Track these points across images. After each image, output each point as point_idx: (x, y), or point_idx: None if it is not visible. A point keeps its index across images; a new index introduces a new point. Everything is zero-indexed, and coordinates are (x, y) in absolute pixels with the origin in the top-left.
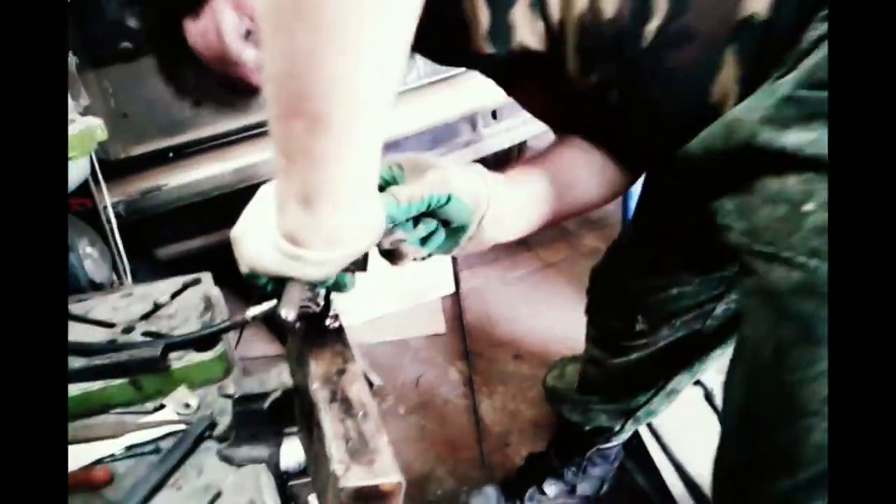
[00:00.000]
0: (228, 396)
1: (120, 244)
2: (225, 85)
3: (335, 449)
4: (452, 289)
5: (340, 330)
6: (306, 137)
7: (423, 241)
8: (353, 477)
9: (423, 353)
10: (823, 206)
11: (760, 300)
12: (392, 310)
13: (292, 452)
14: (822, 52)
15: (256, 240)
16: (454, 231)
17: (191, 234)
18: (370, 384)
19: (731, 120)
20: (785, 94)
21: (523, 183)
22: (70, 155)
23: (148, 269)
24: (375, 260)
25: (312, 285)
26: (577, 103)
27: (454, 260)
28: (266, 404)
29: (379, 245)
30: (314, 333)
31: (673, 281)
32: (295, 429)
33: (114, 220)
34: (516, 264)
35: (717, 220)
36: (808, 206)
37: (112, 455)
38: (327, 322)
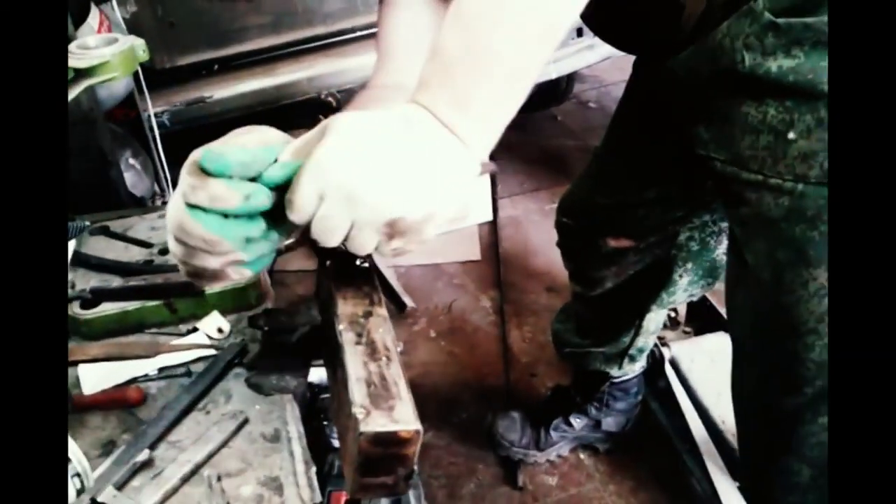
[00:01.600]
0: (259, 328)
1: (162, 155)
2: None
3: (357, 393)
4: (490, 216)
5: (370, 271)
6: (534, 46)
7: None
8: (372, 422)
9: (457, 279)
10: (804, 134)
11: (756, 227)
12: None
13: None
14: None
15: (414, 169)
16: None
17: None
18: (402, 307)
19: (713, 43)
20: (767, 20)
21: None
22: (112, 76)
23: None
24: None
25: None
26: None
27: (493, 187)
28: (294, 338)
29: None
30: (344, 272)
31: (637, 199)
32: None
33: (157, 130)
34: (555, 195)
35: (695, 150)
36: (791, 134)
37: (146, 375)
38: (357, 262)
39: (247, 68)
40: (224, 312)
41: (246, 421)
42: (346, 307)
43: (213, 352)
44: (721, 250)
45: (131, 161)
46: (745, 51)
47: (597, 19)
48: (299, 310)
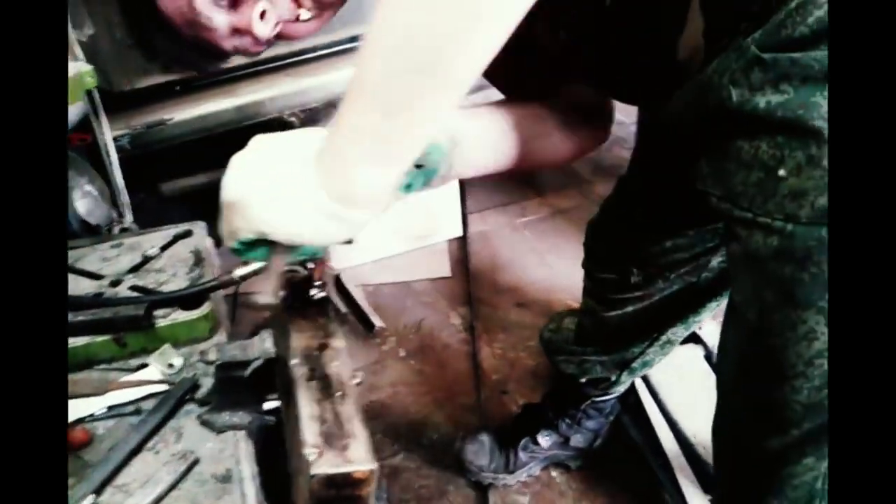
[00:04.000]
0: (210, 363)
1: (120, 180)
2: (195, 49)
3: (309, 432)
4: (460, 232)
5: (326, 301)
6: (424, 94)
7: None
8: (325, 463)
9: (427, 297)
10: (794, 171)
11: (743, 265)
12: (397, 251)
13: None
14: (790, 5)
15: (291, 202)
16: (427, 172)
17: (196, 169)
18: (371, 326)
19: (703, 80)
20: (753, 55)
21: (490, 119)
22: None
23: (152, 205)
24: None
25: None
26: (545, 62)
27: (463, 203)
28: (247, 372)
29: None
30: (298, 303)
31: (667, 234)
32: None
33: (114, 155)
34: (526, 210)
35: (696, 184)
36: (782, 172)
37: (92, 415)
38: (312, 292)
39: (208, 89)
40: (176, 345)
41: (196, 461)
42: (301, 340)
43: (164, 387)
44: None
45: (87, 188)
46: (731, 87)
47: (596, 77)
48: (252, 342)
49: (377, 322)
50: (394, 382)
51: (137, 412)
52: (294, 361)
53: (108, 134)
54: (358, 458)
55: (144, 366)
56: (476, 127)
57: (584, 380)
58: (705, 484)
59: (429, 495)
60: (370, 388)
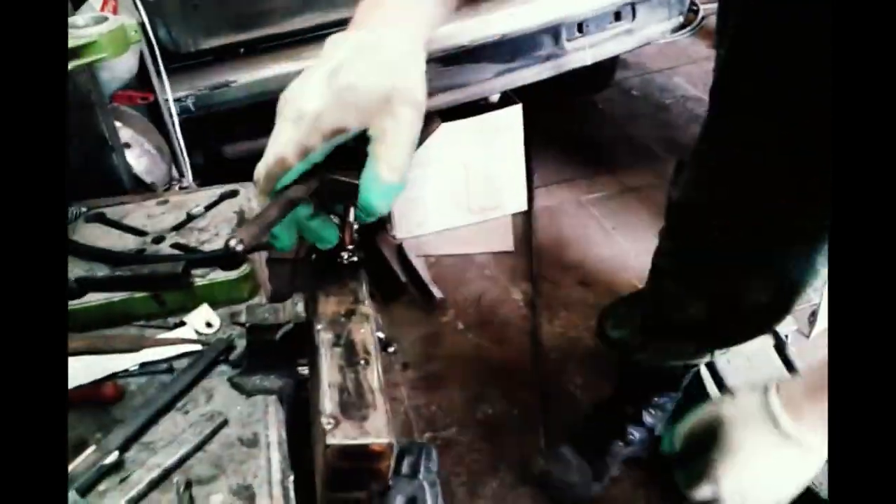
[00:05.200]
0: (240, 325)
1: (181, 140)
2: None
3: (328, 401)
4: (524, 206)
5: (357, 265)
6: None
7: None
8: (340, 434)
9: (488, 271)
10: None
11: None
12: (460, 223)
13: None
14: None
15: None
16: None
17: (259, 132)
18: (431, 297)
19: None
20: None
21: None
22: (100, 56)
23: (213, 167)
24: (447, 172)
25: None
26: None
27: (529, 177)
28: (277, 336)
29: None
30: (329, 267)
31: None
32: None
33: (175, 116)
34: (594, 185)
35: None
36: None
37: (126, 370)
38: (344, 255)
39: (272, 52)
40: (215, 306)
41: (224, 423)
42: (328, 305)
43: (198, 347)
44: None
45: (146, 146)
46: None
47: None
48: (284, 306)
49: (437, 293)
50: (451, 355)
51: (170, 370)
52: (320, 326)
53: (169, 94)
54: (375, 430)
55: (182, 324)
56: None
57: (675, 364)
58: None
59: (480, 470)
60: (427, 358)
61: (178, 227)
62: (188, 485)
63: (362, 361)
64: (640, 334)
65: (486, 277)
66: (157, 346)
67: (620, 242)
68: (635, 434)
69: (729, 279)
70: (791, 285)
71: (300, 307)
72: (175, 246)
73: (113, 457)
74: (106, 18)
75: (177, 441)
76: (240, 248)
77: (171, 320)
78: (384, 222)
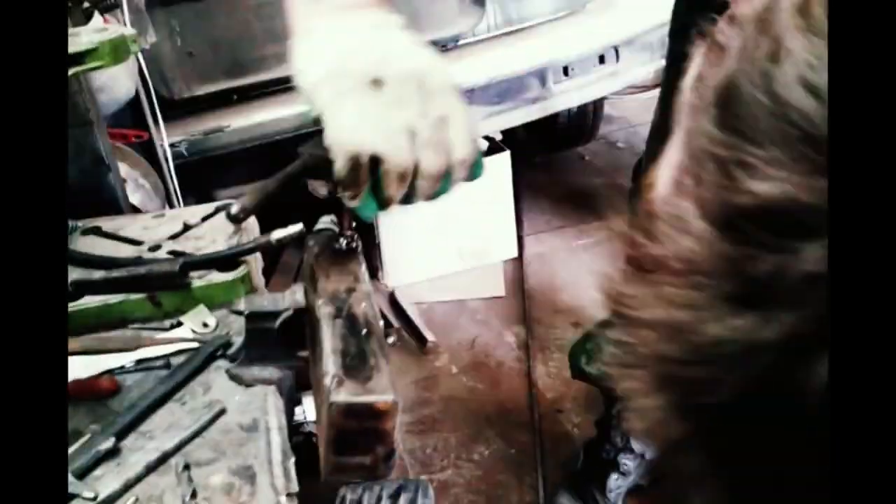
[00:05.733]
0: (239, 313)
1: (175, 182)
2: None
3: (331, 363)
4: (515, 253)
5: (355, 251)
6: None
7: None
8: (344, 392)
9: (480, 315)
10: None
11: None
12: (452, 270)
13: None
14: None
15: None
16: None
17: (254, 176)
18: (424, 341)
19: None
20: None
21: None
22: (100, 63)
23: None
24: (436, 220)
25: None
26: None
27: (518, 224)
28: (276, 324)
29: None
30: (328, 252)
31: None
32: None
33: (170, 158)
34: (583, 232)
35: None
36: None
37: (122, 367)
38: (342, 241)
39: (265, 97)
40: (211, 307)
41: (223, 411)
42: (328, 284)
43: (195, 345)
44: None
45: (141, 181)
46: None
47: None
48: (283, 295)
49: (430, 337)
50: (445, 398)
51: (167, 366)
52: (320, 302)
53: (165, 139)
54: (380, 388)
55: (178, 325)
56: None
57: None
58: None
59: None
60: (421, 402)
61: (174, 237)
62: (187, 467)
63: (364, 331)
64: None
65: (478, 322)
66: (153, 345)
67: None
68: (628, 463)
69: None
70: None
71: (299, 295)
72: (172, 253)
73: (109, 443)
74: (106, 29)
75: (175, 427)
76: (239, 213)
77: (168, 322)
78: (375, 270)
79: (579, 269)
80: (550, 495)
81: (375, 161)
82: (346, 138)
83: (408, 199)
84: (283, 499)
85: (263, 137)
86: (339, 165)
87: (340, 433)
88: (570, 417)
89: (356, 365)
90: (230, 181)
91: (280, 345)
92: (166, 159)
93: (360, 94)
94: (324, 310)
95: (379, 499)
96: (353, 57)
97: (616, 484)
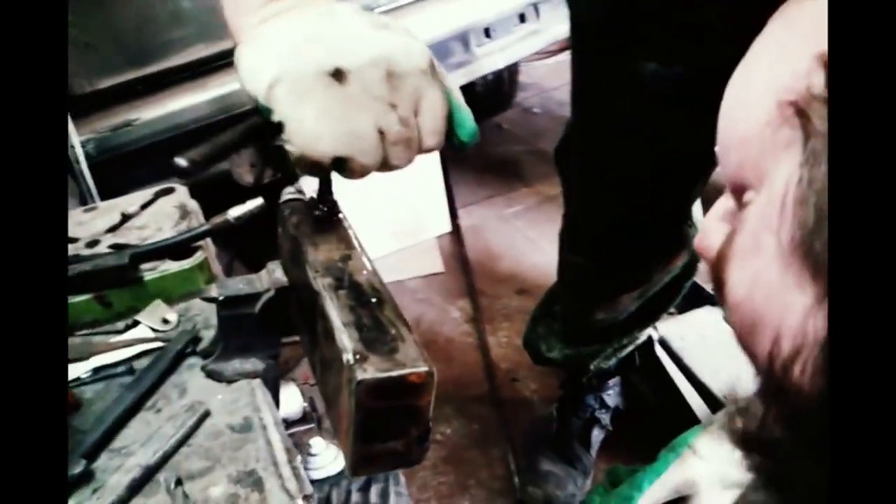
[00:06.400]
0: (212, 300)
1: (92, 187)
2: None
3: (347, 339)
4: (448, 227)
5: (340, 221)
6: None
7: None
8: (371, 368)
9: (421, 294)
10: None
11: None
12: (387, 251)
13: (292, 399)
14: None
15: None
16: None
17: (168, 172)
18: None
19: None
20: None
21: None
22: None
23: None
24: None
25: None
26: None
27: (450, 197)
28: (257, 308)
29: None
30: (308, 221)
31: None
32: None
33: (83, 161)
34: (513, 200)
35: None
36: None
37: (78, 379)
38: (323, 208)
39: (175, 85)
40: (169, 302)
41: (207, 413)
42: (319, 254)
43: (159, 344)
44: None
45: None
46: None
47: None
48: (260, 275)
49: None
50: None
51: (130, 372)
52: (314, 274)
53: (75, 138)
54: (410, 359)
55: (135, 325)
56: None
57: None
58: None
59: (449, 493)
60: None
61: (113, 229)
62: (179, 482)
63: (374, 300)
64: (567, 347)
65: (420, 301)
66: (110, 350)
67: (548, 249)
68: (604, 417)
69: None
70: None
71: (279, 273)
72: (114, 246)
73: (79, 466)
74: None
75: (155, 438)
76: (184, 163)
77: (121, 324)
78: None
79: (514, 236)
80: (527, 464)
81: (340, 160)
82: (308, 148)
83: None
84: (301, 502)
85: (177, 128)
86: (301, 169)
87: (369, 417)
88: (527, 384)
89: (376, 337)
90: (143, 180)
91: (261, 332)
92: (77, 160)
93: (322, 92)
94: (321, 282)
95: (348, 493)
96: (308, 47)
97: (597, 438)
